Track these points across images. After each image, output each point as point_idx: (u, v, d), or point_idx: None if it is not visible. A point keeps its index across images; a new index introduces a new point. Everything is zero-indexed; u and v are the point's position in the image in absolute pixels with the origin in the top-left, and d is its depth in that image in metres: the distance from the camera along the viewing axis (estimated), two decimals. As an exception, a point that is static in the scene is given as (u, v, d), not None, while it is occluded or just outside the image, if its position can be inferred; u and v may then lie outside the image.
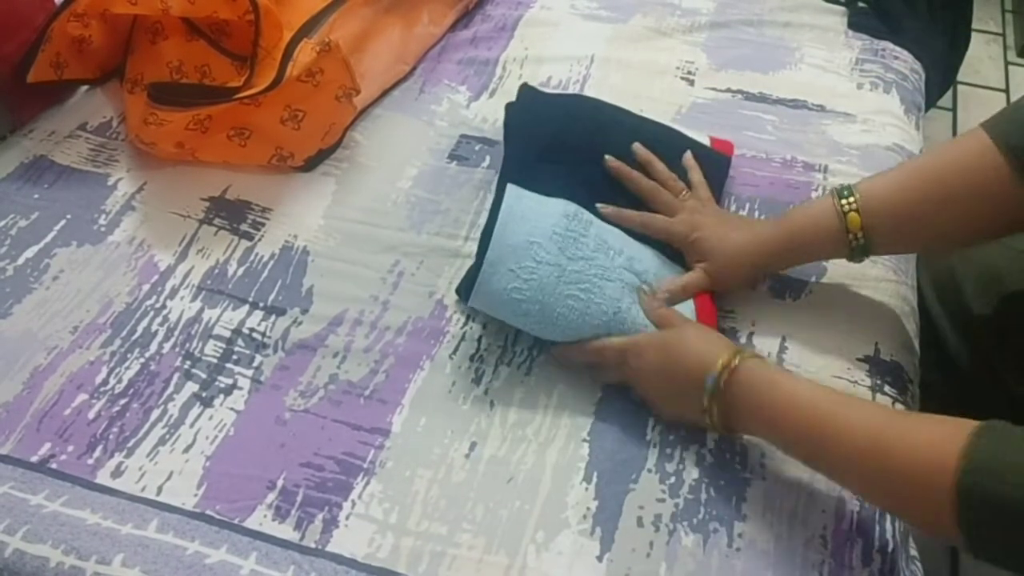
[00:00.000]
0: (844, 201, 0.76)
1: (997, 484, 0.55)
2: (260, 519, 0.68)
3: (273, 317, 0.82)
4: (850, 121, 1.03)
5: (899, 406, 0.77)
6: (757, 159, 0.98)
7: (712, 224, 0.82)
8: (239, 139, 0.92)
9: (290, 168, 0.95)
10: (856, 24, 1.18)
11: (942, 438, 0.58)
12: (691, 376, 0.70)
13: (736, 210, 0.92)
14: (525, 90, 0.95)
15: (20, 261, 0.85)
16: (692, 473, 0.72)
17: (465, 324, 0.82)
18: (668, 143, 0.90)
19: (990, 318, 0.91)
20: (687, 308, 0.80)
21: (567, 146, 0.88)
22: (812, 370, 0.78)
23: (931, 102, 1.25)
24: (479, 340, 0.81)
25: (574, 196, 0.82)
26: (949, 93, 1.94)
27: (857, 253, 0.77)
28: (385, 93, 1.06)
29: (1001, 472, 0.55)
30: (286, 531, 0.68)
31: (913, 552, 0.72)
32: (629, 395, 0.77)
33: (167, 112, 0.87)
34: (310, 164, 0.95)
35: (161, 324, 0.81)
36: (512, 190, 0.80)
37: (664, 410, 0.74)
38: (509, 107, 0.94)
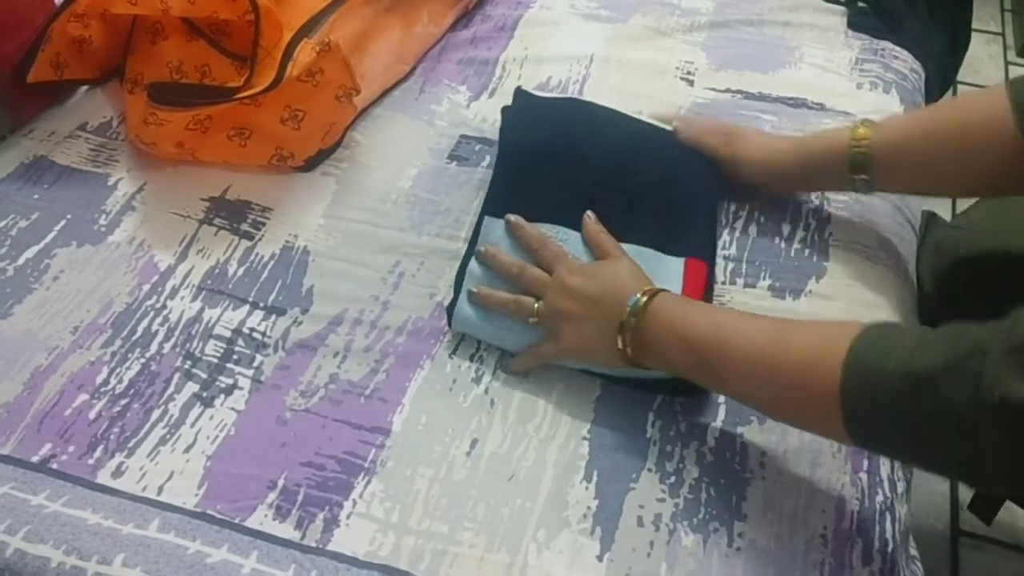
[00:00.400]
0: (859, 122, 0.81)
1: (880, 360, 0.57)
2: (261, 518, 0.68)
3: (273, 317, 0.82)
4: (850, 120, 1.03)
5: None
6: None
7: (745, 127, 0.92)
8: (239, 139, 0.92)
9: (290, 168, 0.95)
10: (856, 24, 1.18)
11: (834, 334, 0.61)
12: (614, 301, 0.72)
13: (735, 211, 0.92)
14: (519, 93, 0.96)
15: (20, 261, 0.85)
16: (692, 472, 0.72)
17: (465, 324, 0.82)
18: (664, 146, 0.90)
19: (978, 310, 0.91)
20: (675, 275, 0.80)
21: (560, 151, 0.88)
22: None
23: (931, 102, 1.25)
24: (479, 340, 0.81)
25: (564, 203, 0.83)
26: (949, 93, 1.94)
27: (859, 172, 0.80)
28: (385, 93, 1.06)
29: (886, 351, 0.57)
30: (287, 530, 0.68)
31: (913, 552, 0.72)
32: (628, 392, 0.77)
33: (167, 112, 0.87)
34: (310, 164, 0.96)
35: (161, 324, 0.81)
36: (488, 221, 0.84)
37: (570, 337, 0.75)
38: (504, 111, 0.94)
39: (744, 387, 0.68)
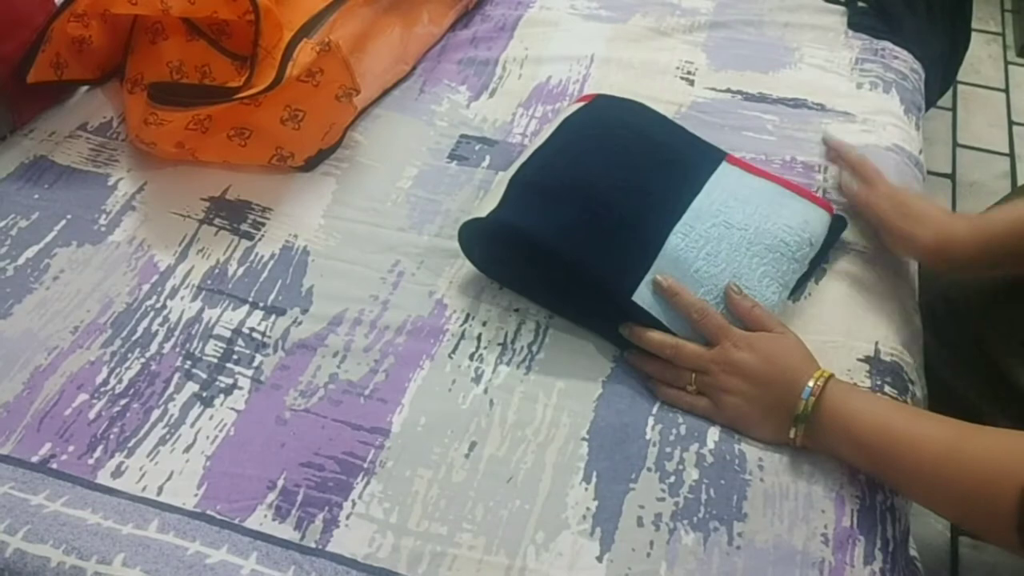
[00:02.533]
0: None
1: None
2: (260, 519, 0.68)
3: (273, 317, 0.82)
4: (850, 121, 1.03)
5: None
6: (756, 160, 0.98)
7: (916, 200, 0.84)
8: (239, 139, 0.92)
9: (290, 168, 0.95)
10: (856, 24, 1.18)
11: (1012, 447, 0.60)
12: (786, 386, 0.71)
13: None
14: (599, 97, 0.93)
15: (20, 261, 0.85)
16: (692, 474, 0.72)
17: (465, 323, 0.82)
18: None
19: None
20: (734, 173, 0.84)
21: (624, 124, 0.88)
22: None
23: (931, 102, 1.25)
24: (478, 339, 0.81)
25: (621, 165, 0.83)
26: (949, 93, 1.94)
27: None
28: (385, 93, 1.06)
29: None
30: (286, 531, 0.68)
31: (913, 552, 0.72)
32: (628, 393, 0.77)
33: (167, 112, 0.87)
34: (310, 164, 0.96)
35: (161, 324, 0.81)
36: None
37: (732, 413, 0.73)
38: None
39: (917, 491, 0.68)
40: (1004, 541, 0.61)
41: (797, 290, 0.84)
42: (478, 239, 0.83)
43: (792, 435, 0.71)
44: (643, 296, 0.77)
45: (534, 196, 0.81)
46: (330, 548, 0.67)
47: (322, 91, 0.93)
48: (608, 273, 0.77)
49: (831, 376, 0.71)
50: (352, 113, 0.99)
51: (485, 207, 0.81)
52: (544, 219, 0.79)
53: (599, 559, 0.67)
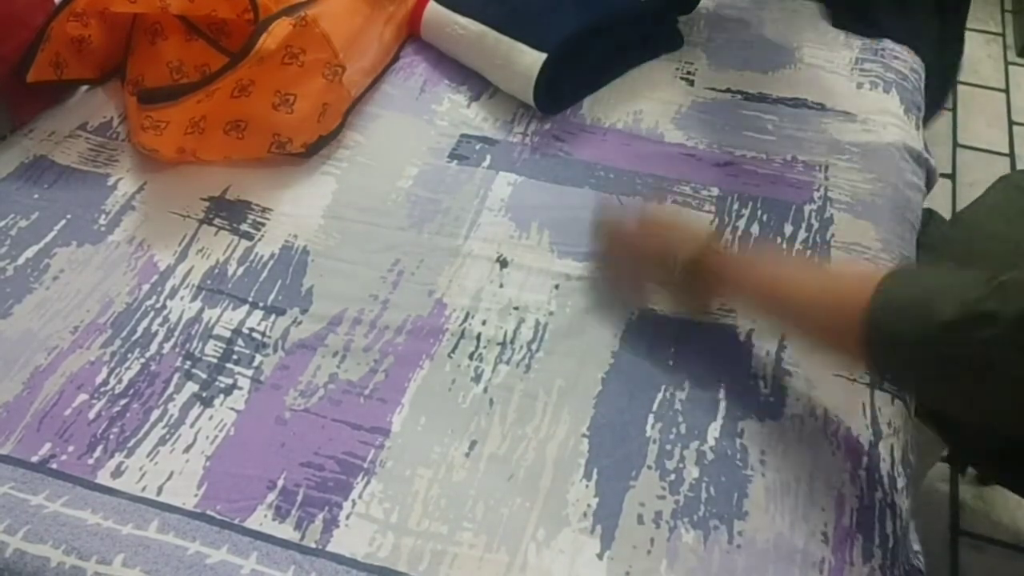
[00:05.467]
0: None
1: (896, 320, 0.61)
2: (260, 519, 0.68)
3: (273, 317, 0.82)
4: (850, 120, 1.03)
5: (898, 403, 0.77)
6: (757, 159, 0.98)
7: None
8: (236, 132, 0.92)
9: (290, 156, 0.95)
10: (840, 23, 1.17)
11: (862, 280, 0.66)
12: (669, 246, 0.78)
13: (738, 209, 0.92)
14: None
15: (20, 261, 0.85)
16: (692, 472, 0.72)
17: (464, 322, 0.82)
18: None
19: None
20: None
21: None
22: (811, 368, 0.78)
23: (930, 103, 1.24)
24: (478, 338, 0.81)
25: None
26: (949, 93, 1.94)
27: None
28: (378, 79, 1.05)
29: (900, 308, 0.62)
30: (286, 531, 0.68)
31: (916, 547, 0.72)
32: (628, 391, 0.77)
33: (159, 111, 0.87)
34: (310, 151, 0.95)
35: (161, 324, 0.81)
36: None
37: (635, 264, 0.83)
38: None
39: (792, 324, 0.76)
40: (855, 361, 0.71)
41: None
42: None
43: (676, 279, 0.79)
44: None
45: None
46: (330, 548, 0.67)
47: (308, 72, 0.93)
48: None
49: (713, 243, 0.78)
50: (344, 94, 0.98)
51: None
52: None
53: (600, 556, 0.67)
